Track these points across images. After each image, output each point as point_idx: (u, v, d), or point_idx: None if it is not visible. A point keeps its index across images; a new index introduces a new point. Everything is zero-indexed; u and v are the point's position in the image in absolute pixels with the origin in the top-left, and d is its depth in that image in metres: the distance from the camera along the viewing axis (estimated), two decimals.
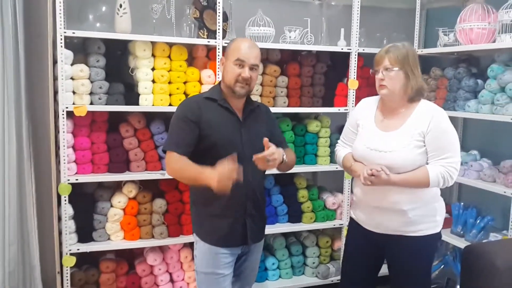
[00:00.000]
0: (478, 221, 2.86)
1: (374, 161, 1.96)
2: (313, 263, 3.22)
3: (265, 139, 1.86)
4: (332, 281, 3.21)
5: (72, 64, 2.51)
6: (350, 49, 3.03)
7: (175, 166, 1.89)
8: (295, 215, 3.12)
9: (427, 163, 1.95)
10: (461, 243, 2.82)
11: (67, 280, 2.58)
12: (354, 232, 2.19)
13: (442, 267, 3.19)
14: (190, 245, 2.83)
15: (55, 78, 2.56)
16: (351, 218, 2.23)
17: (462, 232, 2.95)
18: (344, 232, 3.18)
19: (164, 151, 1.94)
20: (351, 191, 3.15)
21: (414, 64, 1.96)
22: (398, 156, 1.93)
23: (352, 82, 3.06)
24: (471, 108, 2.82)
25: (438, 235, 2.07)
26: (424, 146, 1.94)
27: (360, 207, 2.14)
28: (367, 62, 3.16)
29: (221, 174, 1.72)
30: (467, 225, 2.92)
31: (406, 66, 1.94)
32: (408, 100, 2.00)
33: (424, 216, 2.00)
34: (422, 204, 1.99)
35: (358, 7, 3.00)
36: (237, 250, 2.02)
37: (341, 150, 2.22)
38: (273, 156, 1.82)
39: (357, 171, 2.03)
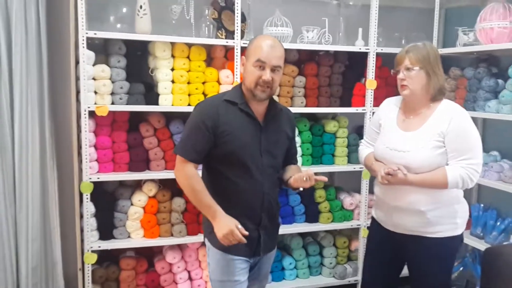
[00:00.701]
0: (499, 223, 2.82)
1: (393, 160, 1.96)
2: (330, 263, 3.21)
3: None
4: (349, 281, 3.20)
5: (93, 65, 2.56)
6: (368, 49, 3.02)
7: (185, 177, 1.80)
8: (312, 215, 3.12)
9: (447, 164, 1.93)
10: (481, 245, 2.78)
11: (88, 276, 2.63)
12: (375, 232, 2.19)
13: (461, 269, 3.15)
14: None
15: (77, 79, 2.61)
16: (372, 218, 2.23)
17: (481, 234, 2.91)
18: (362, 233, 3.18)
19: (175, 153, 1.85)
20: (369, 192, 3.17)
21: (435, 64, 1.95)
22: (417, 156, 1.92)
23: (370, 82, 3.05)
24: (491, 109, 2.79)
25: (459, 237, 2.03)
26: (444, 146, 1.91)
27: (379, 206, 2.14)
28: (385, 62, 3.15)
29: (230, 233, 1.72)
30: (487, 226, 2.89)
31: (427, 65, 1.93)
32: (430, 100, 1.98)
33: (443, 218, 1.98)
34: (441, 205, 1.97)
35: (376, 7, 2.99)
36: (250, 259, 1.93)
37: (364, 150, 2.23)
38: (308, 174, 1.79)
39: (376, 171, 2.03)
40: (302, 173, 1.81)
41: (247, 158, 1.81)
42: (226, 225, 1.74)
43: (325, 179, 1.84)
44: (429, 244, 1.99)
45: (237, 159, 1.81)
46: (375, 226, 2.19)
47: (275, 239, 2.04)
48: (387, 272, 2.17)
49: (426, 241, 1.99)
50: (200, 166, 1.90)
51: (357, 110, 3.08)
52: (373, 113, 3.06)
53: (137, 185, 2.80)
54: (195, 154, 1.79)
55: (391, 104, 2.15)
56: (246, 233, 1.76)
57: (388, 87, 3.22)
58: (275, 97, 2.90)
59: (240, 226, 1.75)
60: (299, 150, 2.97)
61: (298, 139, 2.99)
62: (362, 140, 2.29)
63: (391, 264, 2.16)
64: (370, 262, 2.21)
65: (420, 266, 2.04)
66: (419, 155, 1.92)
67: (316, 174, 3.14)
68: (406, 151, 1.95)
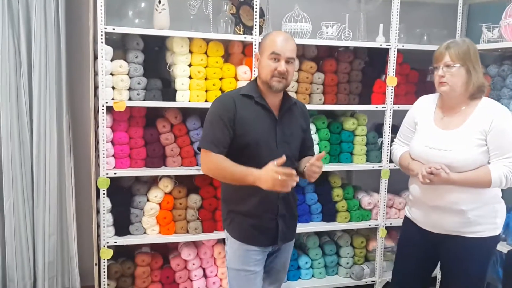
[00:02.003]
0: None
1: (434, 159, 1.92)
2: (347, 263, 3.17)
3: (322, 154, 1.88)
4: (366, 282, 3.15)
5: (111, 60, 2.55)
6: (389, 45, 2.96)
7: (212, 165, 1.84)
8: (329, 214, 3.07)
9: (488, 163, 1.90)
10: (504, 247, 2.71)
11: (104, 272, 2.63)
12: (409, 231, 2.15)
13: None
14: (224, 241, 2.82)
15: (95, 74, 2.61)
16: (405, 217, 2.19)
17: (504, 236, 2.83)
18: (380, 233, 3.13)
19: (199, 149, 1.90)
20: (388, 191, 3.11)
21: (475, 60, 1.91)
22: (459, 154, 1.88)
23: (391, 79, 2.98)
24: None
25: (497, 238, 1.99)
26: (486, 145, 1.89)
27: (416, 206, 2.09)
28: (406, 58, 3.09)
29: (277, 181, 1.68)
30: (509, 228, 2.81)
31: (467, 62, 1.89)
32: (469, 97, 1.94)
33: (483, 217, 1.94)
34: (482, 204, 1.93)
35: (398, 2, 2.92)
36: (268, 248, 1.99)
37: (398, 149, 2.18)
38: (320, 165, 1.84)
39: (414, 170, 1.98)
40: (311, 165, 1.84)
41: (263, 150, 1.86)
42: (266, 179, 1.70)
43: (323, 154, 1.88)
44: (468, 244, 1.95)
45: (253, 151, 1.86)
46: (409, 226, 2.14)
47: (293, 230, 2.09)
48: (420, 272, 2.14)
49: (464, 241, 1.95)
50: None
51: (376, 107, 3.02)
52: (393, 110, 3.01)
53: (153, 181, 2.79)
54: (221, 146, 1.84)
55: (427, 102, 2.10)
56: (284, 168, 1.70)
57: (408, 84, 3.16)
58: (293, 94, 2.87)
59: (275, 162, 1.70)
60: (316, 148, 2.93)
61: (315, 137, 2.95)
62: (395, 140, 2.24)
63: (424, 264, 2.12)
64: (402, 262, 2.17)
65: (455, 266, 2.00)
66: (462, 154, 1.88)
67: (333, 172, 3.15)
68: (448, 150, 1.91)
